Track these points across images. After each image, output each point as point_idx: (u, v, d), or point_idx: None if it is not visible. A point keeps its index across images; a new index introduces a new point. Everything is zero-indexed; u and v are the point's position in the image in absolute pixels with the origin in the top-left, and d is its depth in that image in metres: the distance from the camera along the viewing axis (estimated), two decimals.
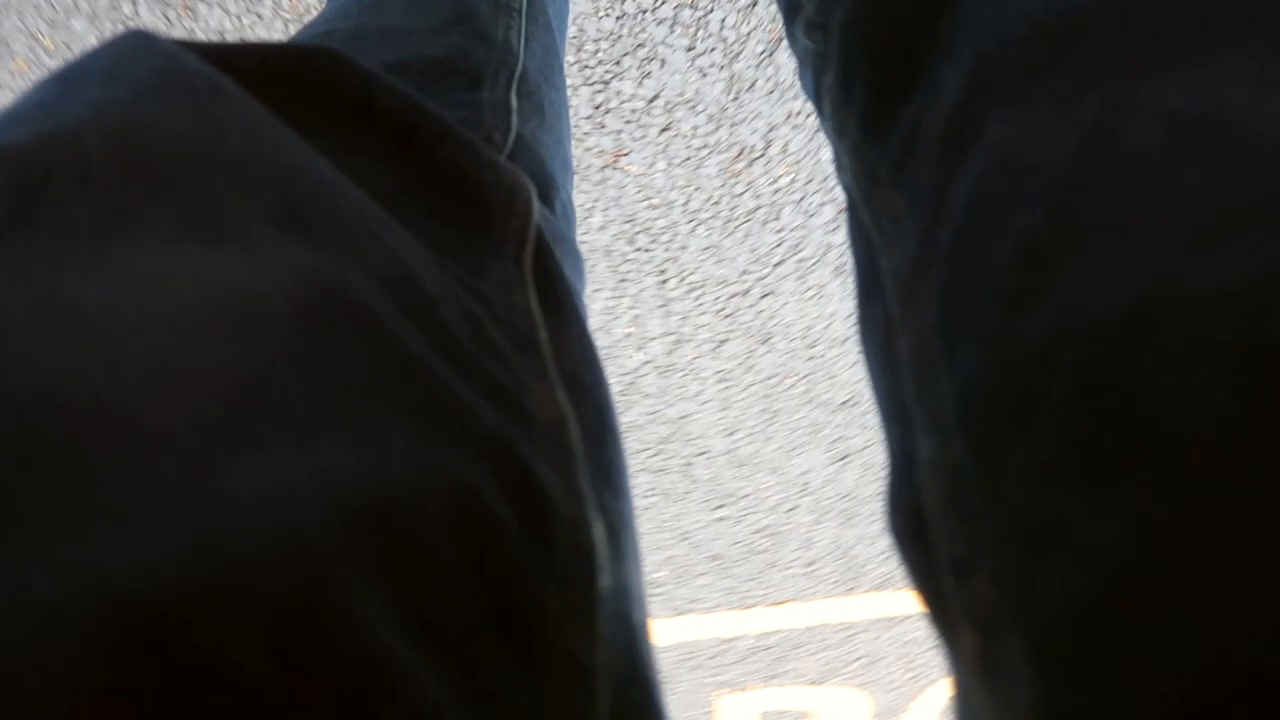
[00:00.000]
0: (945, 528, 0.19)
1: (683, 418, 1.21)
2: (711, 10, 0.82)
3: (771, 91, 0.88)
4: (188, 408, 0.15)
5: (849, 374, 1.20)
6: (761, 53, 0.85)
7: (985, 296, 0.19)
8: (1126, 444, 0.14)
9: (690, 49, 0.84)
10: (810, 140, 0.93)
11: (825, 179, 0.96)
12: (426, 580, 0.16)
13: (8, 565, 0.12)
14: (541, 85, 0.41)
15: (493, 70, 0.37)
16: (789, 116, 0.91)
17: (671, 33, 0.83)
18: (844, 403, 1.22)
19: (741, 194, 0.97)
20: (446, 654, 0.16)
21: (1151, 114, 0.16)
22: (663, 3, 0.81)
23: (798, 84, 0.88)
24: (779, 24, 0.83)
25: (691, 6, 0.81)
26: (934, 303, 0.21)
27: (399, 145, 0.27)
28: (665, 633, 1.52)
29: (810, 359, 1.16)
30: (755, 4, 0.82)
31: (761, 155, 0.94)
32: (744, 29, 0.84)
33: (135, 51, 0.22)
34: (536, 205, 0.30)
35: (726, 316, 1.09)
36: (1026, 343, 0.17)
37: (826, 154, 0.94)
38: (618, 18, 0.82)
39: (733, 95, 0.88)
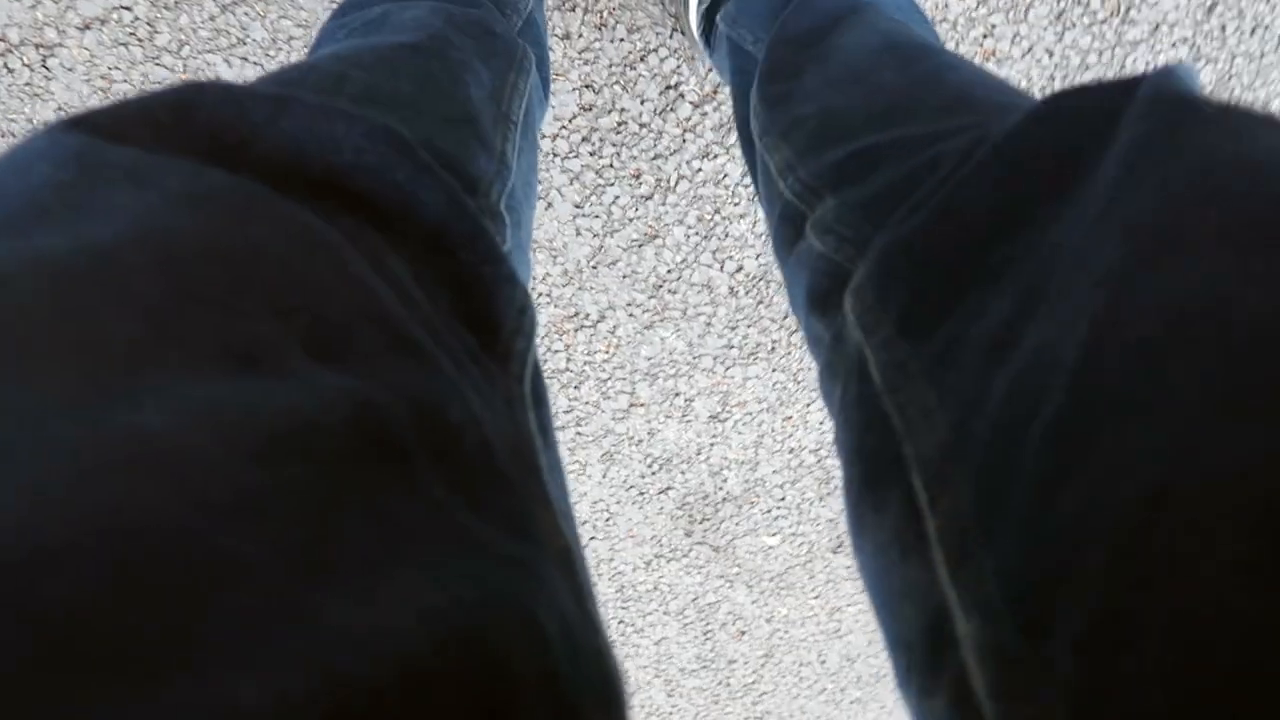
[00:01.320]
0: (1000, 707, 0.19)
1: None
2: (612, 185, 0.86)
3: (626, 276, 0.93)
4: (263, 533, 0.14)
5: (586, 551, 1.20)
6: (634, 240, 0.90)
7: (1019, 480, 0.20)
8: (1160, 612, 0.16)
9: (579, 207, 0.87)
10: (637, 333, 0.97)
11: (632, 372, 1.01)
12: (516, 707, 0.16)
13: (139, 702, 0.11)
14: (523, 203, 0.40)
15: (489, 179, 0.36)
16: (629, 304, 0.95)
17: (570, 185, 0.86)
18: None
19: (557, 352, 0.98)
20: None
21: (1146, 307, 0.19)
22: (574, 156, 0.84)
23: (650, 279, 0.93)
24: (659, 224, 0.89)
25: (598, 173, 0.85)
26: (969, 487, 0.22)
27: (432, 245, 0.27)
28: None
29: None
30: (650, 199, 0.87)
31: (592, 326, 0.97)
32: (630, 214, 0.88)
33: (162, 142, 0.22)
34: (536, 325, 0.29)
35: None
36: (1059, 521, 0.18)
37: (645, 349, 0.99)
38: None
39: (593, 263, 0.92)
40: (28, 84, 0.75)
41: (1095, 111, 0.26)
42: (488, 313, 0.27)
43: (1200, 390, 0.17)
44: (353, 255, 0.22)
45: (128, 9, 0.73)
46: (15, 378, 0.15)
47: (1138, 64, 0.87)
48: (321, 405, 0.17)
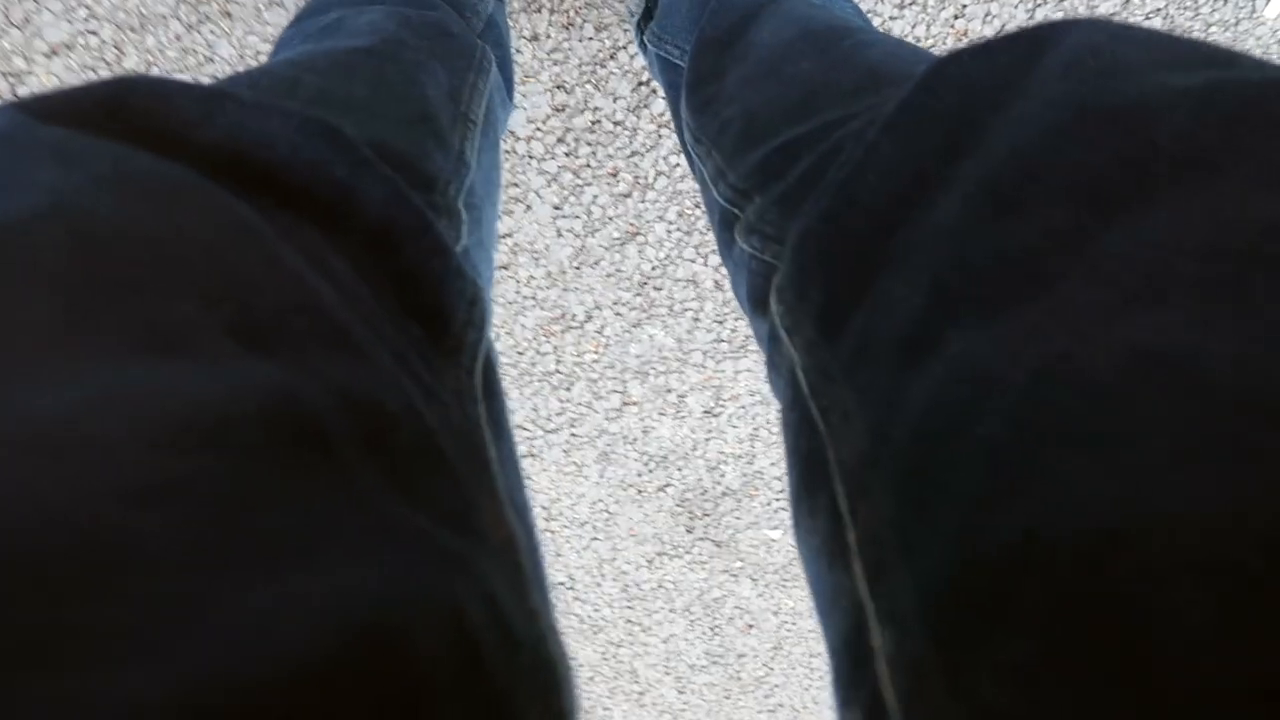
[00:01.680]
0: None
1: None
2: (590, 185, 0.86)
3: (610, 275, 0.93)
4: (161, 523, 0.14)
5: (574, 557, 1.20)
6: (616, 239, 0.90)
7: (946, 497, 0.20)
8: (1104, 651, 0.15)
9: (558, 208, 0.87)
10: (625, 331, 0.97)
11: (623, 371, 1.00)
12: (429, 702, 0.15)
13: (7, 699, 0.11)
14: (484, 201, 0.40)
15: (445, 178, 0.36)
16: (615, 303, 0.95)
17: (548, 186, 0.85)
18: (560, 583, 1.21)
19: (546, 354, 0.98)
20: None
21: (1106, 347, 0.18)
22: (550, 159, 0.84)
23: (634, 277, 0.93)
24: (640, 221, 0.89)
25: (575, 174, 0.85)
26: (888, 497, 0.22)
27: (375, 239, 0.26)
28: None
29: (545, 531, 1.16)
30: (629, 196, 0.87)
31: (579, 326, 0.96)
32: (610, 213, 0.88)
33: (93, 128, 0.21)
34: (490, 318, 0.29)
35: None
36: (995, 544, 0.18)
37: (634, 347, 0.99)
38: (505, 152, 0.83)
39: (576, 264, 0.91)
40: None
41: (984, 74, 0.25)
42: (437, 305, 0.27)
43: (1159, 437, 0.16)
44: (286, 248, 0.22)
45: (94, 33, 0.73)
46: None
47: None
48: (240, 393, 0.17)
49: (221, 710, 0.12)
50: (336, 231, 0.25)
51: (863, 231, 0.27)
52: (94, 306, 0.17)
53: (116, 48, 0.74)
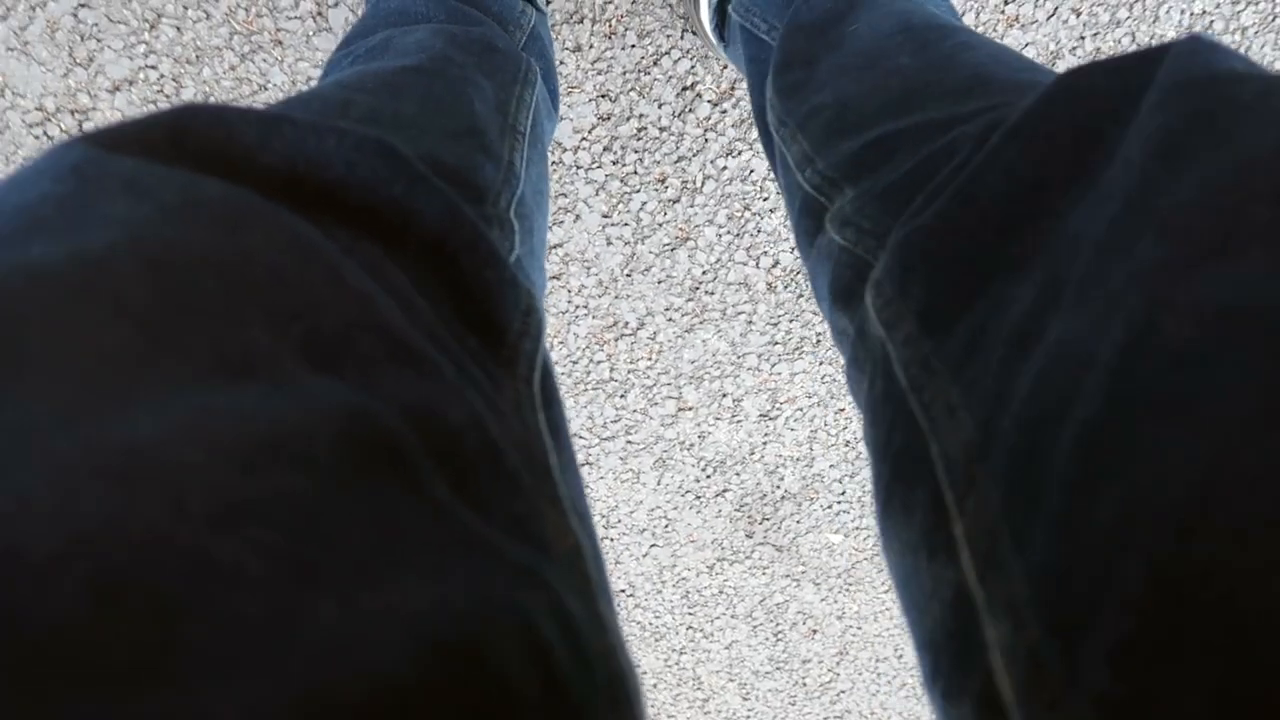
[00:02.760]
0: (1028, 711, 0.19)
1: None
2: (638, 191, 0.86)
3: (661, 281, 0.92)
4: (254, 541, 0.14)
5: (634, 564, 1.20)
6: (666, 245, 0.90)
7: (1051, 482, 0.20)
8: (1202, 621, 0.15)
9: (606, 216, 0.87)
10: (678, 337, 0.97)
11: (677, 376, 1.00)
12: (512, 715, 0.15)
13: (107, 718, 0.11)
14: (534, 211, 0.40)
15: (496, 189, 0.36)
16: (667, 309, 0.95)
17: (596, 195, 0.86)
18: (621, 590, 1.21)
19: (600, 363, 0.98)
20: None
21: (1189, 308, 0.18)
22: (598, 167, 0.84)
23: (685, 282, 0.92)
24: (689, 226, 0.88)
25: (623, 181, 0.85)
26: (997, 488, 0.22)
27: (432, 253, 0.27)
28: None
29: (604, 539, 1.16)
30: (677, 202, 0.86)
31: (631, 334, 0.96)
32: (659, 219, 0.88)
33: (159, 156, 0.22)
34: (545, 326, 0.29)
35: None
36: (1096, 526, 0.18)
37: (688, 353, 0.98)
38: (553, 163, 0.83)
39: (626, 271, 0.91)
40: None
41: (1112, 90, 0.25)
42: (493, 316, 0.27)
43: (1245, 396, 0.16)
44: (349, 265, 0.22)
45: (153, 68, 0.75)
46: (6, 389, 0.15)
47: (1171, 15, 0.84)
48: (316, 413, 0.17)
49: None
50: (394, 246, 0.26)
51: (978, 234, 0.27)
52: (171, 334, 0.18)
53: (175, 80, 0.76)
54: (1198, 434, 0.16)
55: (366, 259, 0.24)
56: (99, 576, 0.13)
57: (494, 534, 0.19)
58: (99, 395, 0.16)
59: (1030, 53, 0.84)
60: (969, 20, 0.81)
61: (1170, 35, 0.87)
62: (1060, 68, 0.79)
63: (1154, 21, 0.84)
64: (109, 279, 0.18)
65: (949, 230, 0.28)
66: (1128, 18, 0.83)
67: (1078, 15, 0.82)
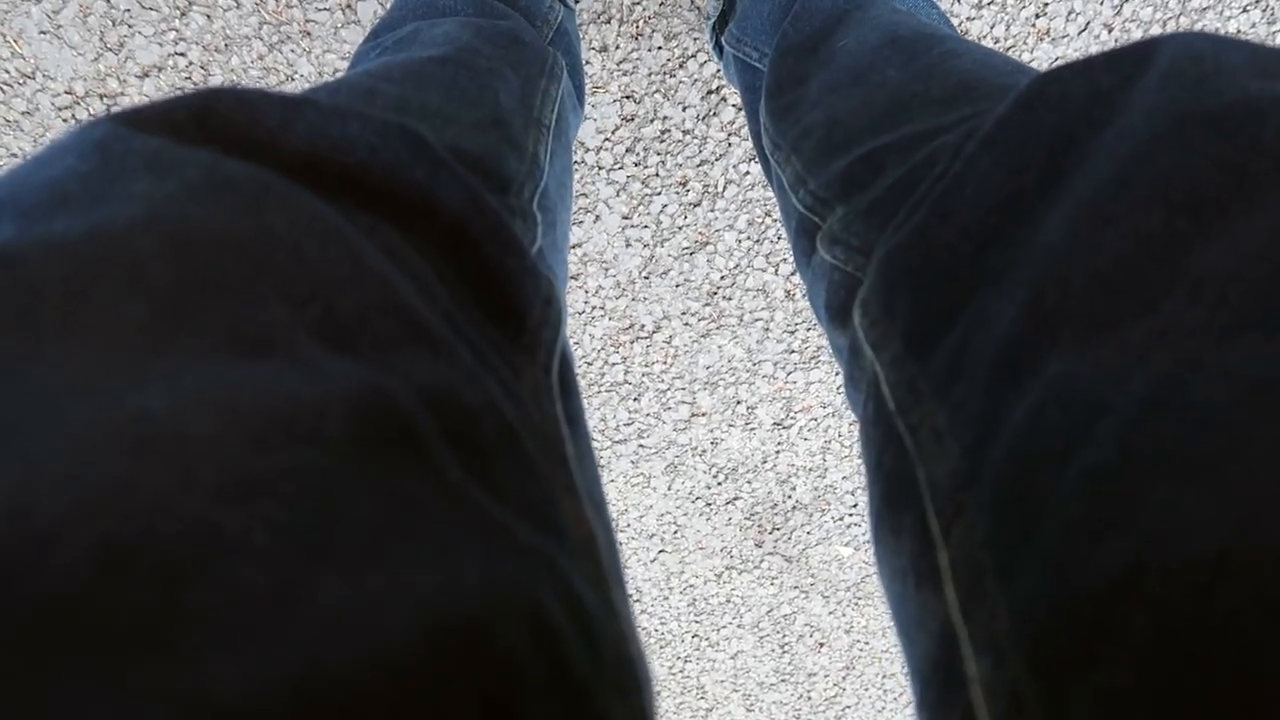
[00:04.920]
0: None
1: None
2: (659, 194, 0.85)
3: (679, 285, 0.92)
4: (262, 514, 0.14)
5: (641, 570, 1.19)
6: (685, 249, 0.89)
7: (1048, 523, 0.19)
8: (1210, 682, 0.15)
9: (627, 218, 0.87)
10: (694, 341, 0.96)
11: (691, 381, 1.00)
12: (518, 697, 0.15)
13: (105, 686, 0.11)
14: (557, 204, 0.40)
15: (519, 180, 0.36)
16: (684, 313, 0.94)
17: (617, 196, 0.85)
18: (629, 595, 1.21)
19: (614, 365, 0.98)
20: None
21: (1221, 374, 0.18)
22: (620, 168, 0.84)
23: (704, 286, 0.92)
24: (709, 230, 0.88)
25: (644, 183, 0.85)
26: (983, 519, 0.21)
27: (453, 239, 0.27)
28: None
29: None
30: (698, 205, 0.86)
31: (647, 337, 0.96)
32: (679, 222, 0.88)
33: (184, 137, 0.22)
34: (566, 317, 0.29)
35: None
36: (1101, 573, 0.17)
37: (703, 358, 0.98)
38: (575, 163, 0.83)
39: (645, 274, 0.91)
40: None
41: (1084, 93, 0.25)
42: (513, 304, 0.27)
43: (1269, 467, 0.16)
44: (369, 248, 0.22)
45: (182, 55, 0.76)
46: (26, 359, 0.15)
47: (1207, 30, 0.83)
48: (330, 391, 0.17)
49: (323, 698, 0.12)
50: (415, 232, 0.26)
51: (956, 248, 0.27)
52: (189, 310, 0.18)
53: (203, 68, 0.76)
54: (1222, 498, 0.16)
55: (386, 242, 0.24)
56: (104, 543, 0.13)
57: (507, 517, 0.19)
58: (113, 367, 0.16)
59: None
60: (999, 32, 0.80)
61: None
62: None
63: None
64: (128, 254, 0.18)
65: (928, 245, 0.28)
66: None
67: (1110, 31, 0.81)
